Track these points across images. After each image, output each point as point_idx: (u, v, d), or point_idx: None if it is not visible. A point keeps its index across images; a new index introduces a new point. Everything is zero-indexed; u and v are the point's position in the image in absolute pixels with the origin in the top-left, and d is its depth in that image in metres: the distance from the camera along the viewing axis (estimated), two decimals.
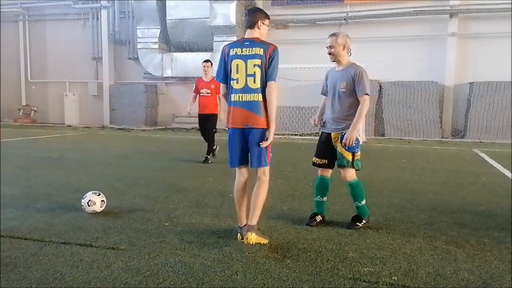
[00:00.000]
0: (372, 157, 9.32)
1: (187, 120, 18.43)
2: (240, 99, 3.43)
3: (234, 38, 16.95)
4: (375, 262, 3.18)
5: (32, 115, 20.84)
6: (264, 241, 3.53)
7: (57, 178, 6.37)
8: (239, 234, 3.60)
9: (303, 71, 14.92)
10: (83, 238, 3.58)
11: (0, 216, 4.21)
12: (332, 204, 5.02)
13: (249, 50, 3.40)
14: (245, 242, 3.45)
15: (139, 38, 18.67)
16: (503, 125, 15.06)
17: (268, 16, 3.57)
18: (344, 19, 16.77)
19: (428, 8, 16.04)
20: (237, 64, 3.42)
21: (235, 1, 16.86)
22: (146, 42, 18.51)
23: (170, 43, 18.73)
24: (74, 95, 20.65)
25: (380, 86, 16.08)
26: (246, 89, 3.41)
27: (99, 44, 20.18)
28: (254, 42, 3.43)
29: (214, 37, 17.42)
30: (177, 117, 19.02)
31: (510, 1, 14.83)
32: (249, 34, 3.52)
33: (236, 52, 3.44)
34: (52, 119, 21.21)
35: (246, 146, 3.51)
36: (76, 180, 6.23)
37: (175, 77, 18.93)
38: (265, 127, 3.44)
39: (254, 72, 3.38)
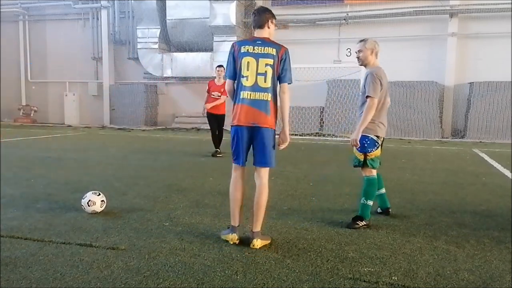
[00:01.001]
0: None
1: (187, 120, 18.50)
2: (249, 97, 3.41)
3: (234, 38, 16.95)
4: (375, 262, 3.18)
5: (32, 115, 20.84)
6: (268, 241, 3.52)
7: (57, 178, 6.37)
8: (233, 235, 3.48)
9: (303, 71, 14.90)
10: (83, 238, 3.58)
11: (0, 216, 4.21)
12: (332, 204, 5.03)
13: (261, 49, 3.40)
14: (251, 247, 3.39)
15: (139, 38, 18.67)
16: (503, 125, 15.06)
17: (275, 16, 3.59)
18: (344, 19, 16.77)
19: (428, 8, 16.04)
20: (248, 62, 3.41)
21: (235, 1, 16.86)
22: (146, 42, 18.50)
23: (170, 43, 18.73)
24: (74, 95, 20.66)
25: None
26: (255, 88, 3.40)
27: (99, 44, 20.18)
28: (266, 42, 3.44)
29: (214, 37, 17.42)
30: (177, 117, 19.04)
31: (510, 1, 14.83)
32: (258, 33, 3.52)
33: (247, 50, 3.43)
34: (52, 119, 21.21)
35: (250, 145, 3.49)
36: (76, 180, 6.23)
37: (175, 77, 18.94)
38: (273, 127, 3.45)
39: (265, 71, 3.38)
